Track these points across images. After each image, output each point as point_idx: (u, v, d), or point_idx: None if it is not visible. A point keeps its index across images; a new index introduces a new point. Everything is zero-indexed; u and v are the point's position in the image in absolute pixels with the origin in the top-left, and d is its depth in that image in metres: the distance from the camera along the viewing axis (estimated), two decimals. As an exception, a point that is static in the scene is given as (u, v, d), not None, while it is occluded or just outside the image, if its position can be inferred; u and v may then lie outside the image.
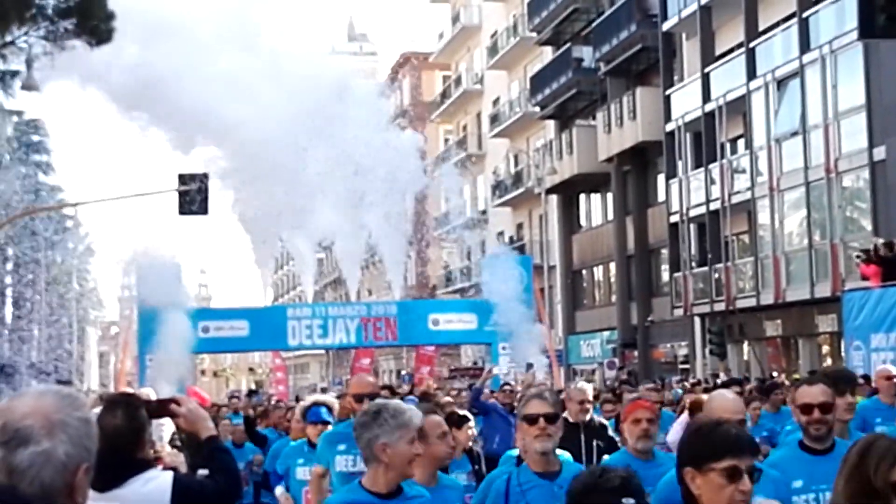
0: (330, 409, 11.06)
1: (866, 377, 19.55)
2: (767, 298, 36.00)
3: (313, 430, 10.73)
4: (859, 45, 30.20)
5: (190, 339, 30.48)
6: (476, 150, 68.04)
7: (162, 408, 5.32)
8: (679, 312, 41.81)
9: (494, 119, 63.61)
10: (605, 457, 8.39)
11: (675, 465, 4.36)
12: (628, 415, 7.48)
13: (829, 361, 35.13)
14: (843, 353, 29.09)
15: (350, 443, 10.42)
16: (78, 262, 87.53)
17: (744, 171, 37.43)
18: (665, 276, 44.91)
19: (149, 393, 12.86)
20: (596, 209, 53.14)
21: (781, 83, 35.45)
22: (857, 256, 27.02)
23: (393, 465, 5.48)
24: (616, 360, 45.91)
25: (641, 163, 46.69)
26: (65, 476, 2.76)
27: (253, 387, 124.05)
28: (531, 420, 6.50)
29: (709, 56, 39.90)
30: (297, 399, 28.94)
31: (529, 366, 27.35)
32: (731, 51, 38.99)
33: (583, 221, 54.66)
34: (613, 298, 49.80)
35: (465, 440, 9.89)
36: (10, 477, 2.72)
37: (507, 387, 17.55)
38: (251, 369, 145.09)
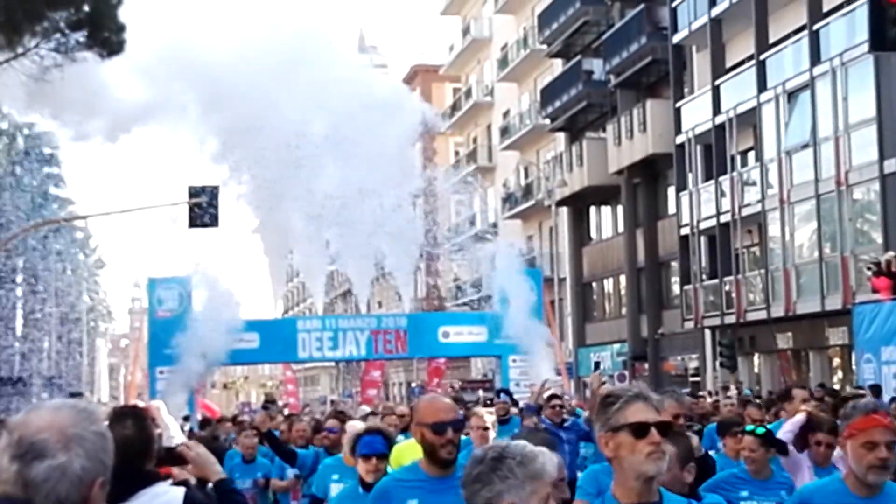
0: (387, 438, 8.64)
1: (876, 388, 19.52)
2: (778, 311, 35.93)
3: (366, 465, 8.15)
4: (870, 57, 30.17)
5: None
6: (486, 162, 68.03)
7: (171, 456, 5.37)
8: (689, 325, 41.76)
9: (505, 131, 63.62)
10: None
11: None
12: (858, 433, 5.57)
13: (839, 374, 35.08)
14: (853, 366, 29.05)
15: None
16: (88, 274, 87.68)
17: (754, 184, 37.38)
18: (675, 289, 44.85)
19: (159, 405, 12.85)
20: (606, 221, 53.11)
21: (792, 95, 35.41)
22: (868, 268, 26.97)
23: None
24: (626, 373, 45.82)
25: (652, 175, 46.66)
26: (80, 490, 2.75)
27: (263, 398, 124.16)
28: (640, 431, 4.31)
29: (719, 68, 39.88)
30: (305, 406, 28.85)
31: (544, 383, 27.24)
32: (741, 63, 38.97)
33: (593, 234, 54.63)
34: (624, 311, 49.75)
35: None
36: (26, 490, 2.71)
37: (555, 401, 15.60)
38: (264, 384, 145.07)
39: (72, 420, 2.81)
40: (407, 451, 9.39)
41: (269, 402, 13.19)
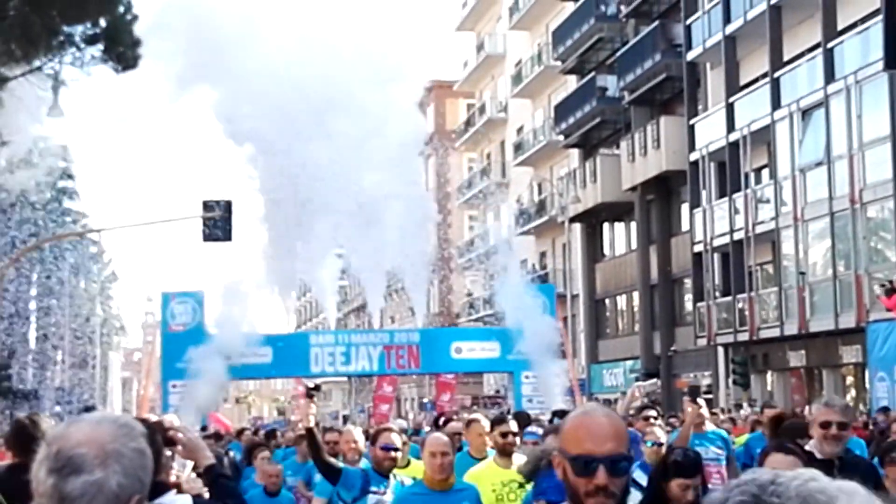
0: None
1: (885, 409, 19.42)
2: (791, 329, 35.87)
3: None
4: (884, 75, 30.16)
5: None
6: (500, 178, 68.06)
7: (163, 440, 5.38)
8: (702, 342, 41.70)
9: (518, 147, 63.64)
10: None
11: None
12: None
13: (853, 392, 34.99)
14: (867, 385, 29.00)
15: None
16: (101, 287, 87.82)
17: (768, 201, 37.34)
18: (688, 306, 44.80)
19: (172, 419, 12.85)
20: (619, 238, 53.09)
21: (806, 113, 35.40)
22: (882, 285, 26.91)
23: None
24: (639, 390, 45.72)
25: (665, 192, 46.64)
26: None
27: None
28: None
29: (733, 86, 39.88)
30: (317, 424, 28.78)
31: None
32: (755, 80, 38.97)
33: (606, 250, 54.60)
34: (636, 328, 49.70)
35: None
36: None
37: (647, 412, 14.52)
38: (276, 399, 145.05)
39: (111, 435, 2.77)
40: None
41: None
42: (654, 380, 20.07)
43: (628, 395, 12.57)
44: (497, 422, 10.36)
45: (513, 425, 10.14)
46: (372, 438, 9.89)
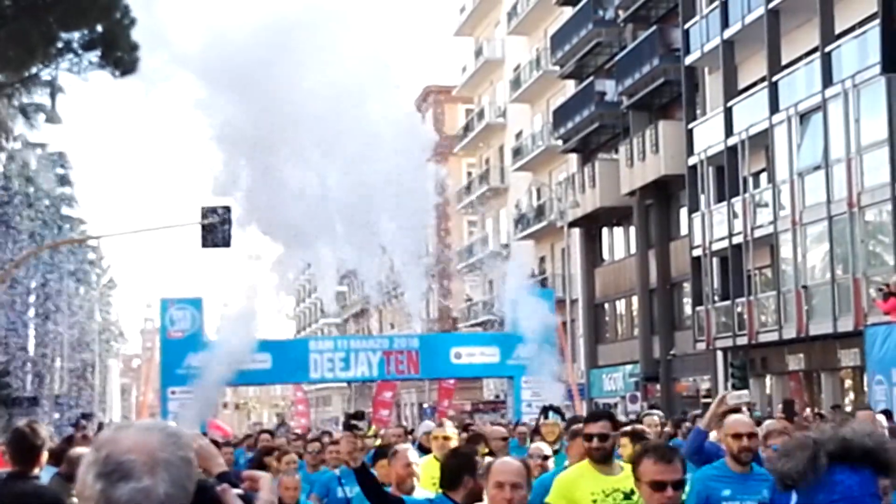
0: None
1: (888, 413, 19.45)
2: (790, 332, 35.87)
3: None
4: (882, 79, 30.19)
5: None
6: (498, 183, 68.12)
7: None
8: (701, 346, 41.71)
9: (517, 152, 63.68)
10: None
11: None
12: None
13: (851, 396, 35.01)
14: (865, 388, 28.98)
15: None
16: (100, 294, 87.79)
17: (766, 205, 37.36)
18: (687, 310, 44.81)
19: (135, 421, 12.81)
20: (618, 243, 53.10)
21: (804, 117, 35.41)
22: (880, 289, 26.89)
23: None
24: (638, 394, 45.78)
25: (664, 196, 46.66)
26: None
27: (276, 420, 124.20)
28: None
29: (731, 90, 39.90)
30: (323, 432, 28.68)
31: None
32: (753, 85, 39.00)
33: (605, 255, 54.61)
34: (636, 332, 49.71)
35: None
36: None
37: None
38: (275, 405, 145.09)
39: (161, 443, 2.77)
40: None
41: (355, 418, 8.92)
42: (746, 391, 17.59)
43: (714, 404, 9.78)
44: (588, 420, 8.79)
45: (601, 426, 8.34)
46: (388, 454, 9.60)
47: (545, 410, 14.05)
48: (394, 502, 8.17)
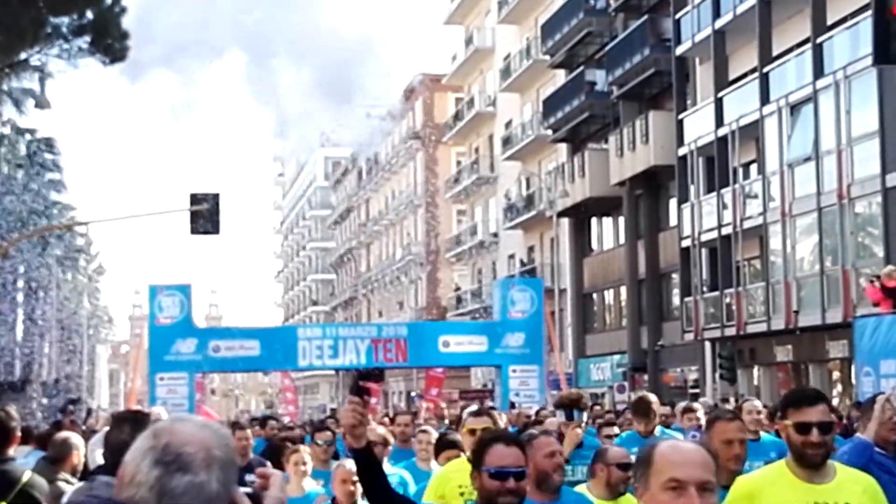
0: None
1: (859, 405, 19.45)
2: (778, 324, 35.91)
3: None
4: (873, 70, 30.18)
5: None
6: (488, 172, 68.09)
7: None
8: (689, 337, 41.75)
9: (507, 142, 63.64)
10: None
11: None
12: None
13: (839, 387, 35.06)
14: (853, 380, 29.03)
15: None
16: (89, 280, 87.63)
17: (756, 197, 37.38)
18: (676, 301, 44.84)
19: (160, 412, 12.81)
20: (607, 233, 53.11)
21: (795, 108, 35.43)
22: (870, 281, 26.86)
23: None
24: (626, 384, 45.83)
25: (653, 187, 46.67)
26: None
27: (263, 407, 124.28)
28: None
29: (722, 81, 39.90)
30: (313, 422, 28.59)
31: (512, 405, 26.94)
32: (744, 76, 39.00)
33: (594, 245, 54.62)
34: (624, 322, 49.74)
35: None
36: (161, 499, 2.68)
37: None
38: (263, 392, 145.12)
39: (216, 441, 2.79)
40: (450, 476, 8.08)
41: (369, 377, 5.74)
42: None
43: (879, 408, 7.68)
44: (800, 402, 5.89)
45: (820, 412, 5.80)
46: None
47: (565, 407, 10.75)
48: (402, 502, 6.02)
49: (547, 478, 6.41)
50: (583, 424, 10.57)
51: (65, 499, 7.32)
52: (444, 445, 10.04)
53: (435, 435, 11.05)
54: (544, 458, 6.40)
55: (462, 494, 7.49)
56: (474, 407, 12.24)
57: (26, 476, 7.66)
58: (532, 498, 6.00)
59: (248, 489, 2.98)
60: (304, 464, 10.25)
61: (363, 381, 5.54)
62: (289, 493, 8.70)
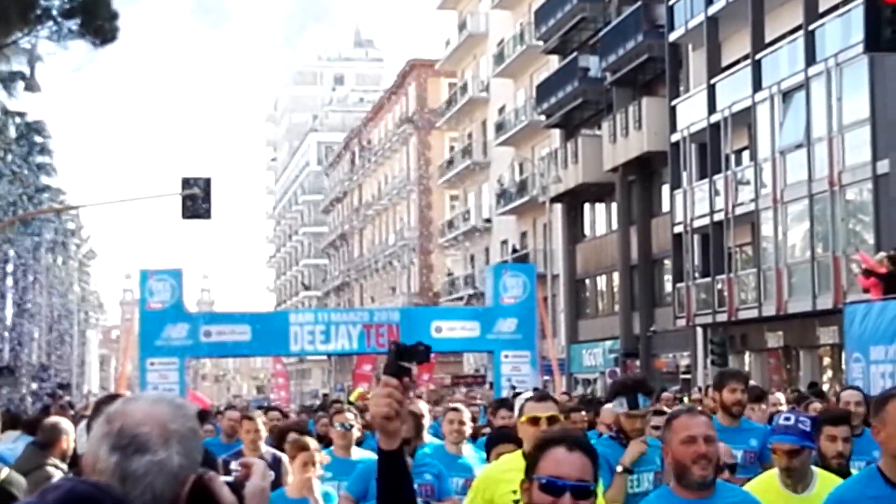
0: None
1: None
2: (770, 310, 35.97)
3: None
4: (865, 58, 30.18)
5: None
6: (481, 157, 68.06)
7: None
8: (681, 323, 41.80)
9: (500, 127, 63.60)
10: None
11: None
12: None
13: (829, 373, 35.12)
14: (843, 366, 29.06)
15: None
16: (79, 265, 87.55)
17: (748, 183, 37.41)
18: (668, 287, 44.89)
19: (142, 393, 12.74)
20: (600, 219, 53.13)
21: (787, 95, 35.44)
22: (858, 271, 26.86)
23: None
24: (618, 370, 45.87)
25: (646, 173, 46.68)
26: (174, 487, 2.71)
27: (255, 392, 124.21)
28: None
29: (715, 67, 39.89)
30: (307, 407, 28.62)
31: (513, 388, 26.98)
32: (737, 62, 38.99)
33: (587, 231, 54.63)
34: (616, 308, 49.78)
35: None
36: (124, 484, 2.66)
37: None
38: (255, 377, 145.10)
39: (171, 415, 2.77)
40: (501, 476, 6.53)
41: (411, 356, 3.67)
42: None
43: None
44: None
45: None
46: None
47: (626, 393, 8.03)
48: None
49: (685, 472, 5.44)
50: (649, 416, 8.37)
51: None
52: (499, 439, 8.31)
53: (467, 415, 9.97)
54: (680, 444, 5.42)
55: (517, 503, 5.20)
56: (525, 393, 8.77)
57: (3, 473, 7.68)
58: (678, 494, 5.46)
59: (230, 478, 2.97)
60: (315, 465, 8.60)
61: (405, 360, 4.04)
62: (294, 495, 8.48)
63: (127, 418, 2.74)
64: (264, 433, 11.21)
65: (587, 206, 54.03)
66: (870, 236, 31.97)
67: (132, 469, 2.68)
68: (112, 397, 5.62)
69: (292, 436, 9.77)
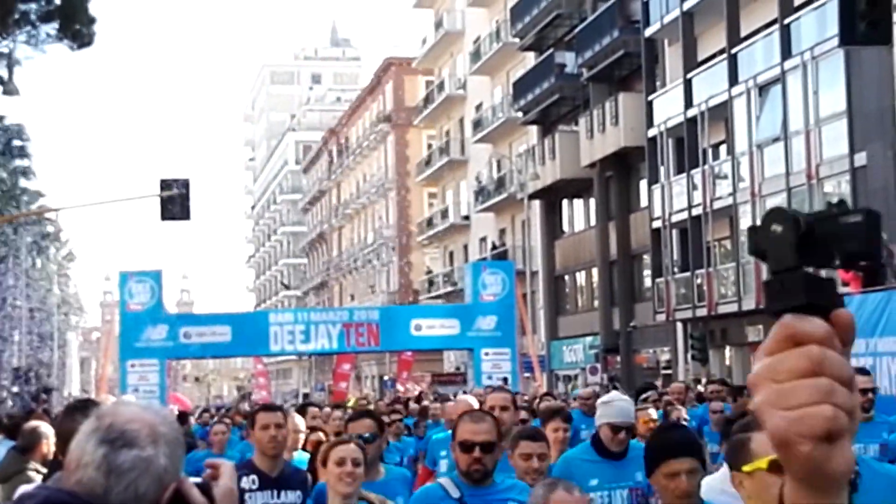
0: None
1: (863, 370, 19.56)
2: (749, 304, 36.05)
3: None
4: (840, 51, 30.27)
5: None
6: (459, 155, 68.06)
7: None
8: (661, 318, 41.86)
9: (477, 124, 63.63)
10: None
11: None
12: None
13: (810, 367, 35.19)
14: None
15: None
16: (59, 267, 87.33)
17: (726, 177, 37.50)
18: (647, 282, 44.95)
19: (131, 400, 12.73)
20: (578, 215, 53.17)
21: (763, 89, 35.53)
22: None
23: None
24: (598, 366, 45.94)
25: (624, 168, 46.73)
26: (157, 489, 2.72)
27: (236, 392, 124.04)
28: None
29: (691, 62, 39.96)
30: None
31: (504, 381, 27.00)
32: (713, 57, 39.06)
33: (565, 227, 54.67)
34: (596, 304, 49.82)
35: None
36: (108, 477, 2.67)
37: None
38: (236, 377, 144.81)
39: (159, 419, 2.80)
40: None
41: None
42: None
43: None
44: None
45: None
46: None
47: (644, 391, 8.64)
48: None
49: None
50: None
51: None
52: None
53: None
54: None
55: None
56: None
57: None
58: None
59: (198, 479, 2.99)
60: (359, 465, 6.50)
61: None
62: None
63: (117, 416, 2.76)
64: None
65: (565, 202, 54.07)
66: (847, 229, 32.05)
67: (119, 462, 2.68)
68: (82, 402, 5.63)
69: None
